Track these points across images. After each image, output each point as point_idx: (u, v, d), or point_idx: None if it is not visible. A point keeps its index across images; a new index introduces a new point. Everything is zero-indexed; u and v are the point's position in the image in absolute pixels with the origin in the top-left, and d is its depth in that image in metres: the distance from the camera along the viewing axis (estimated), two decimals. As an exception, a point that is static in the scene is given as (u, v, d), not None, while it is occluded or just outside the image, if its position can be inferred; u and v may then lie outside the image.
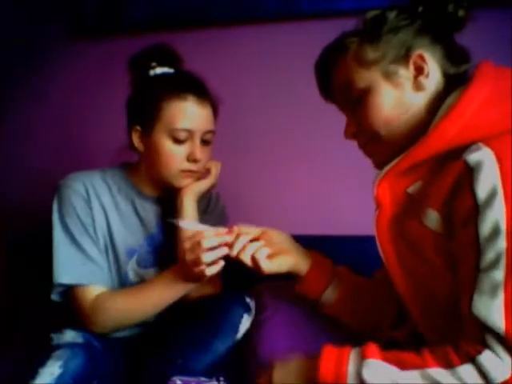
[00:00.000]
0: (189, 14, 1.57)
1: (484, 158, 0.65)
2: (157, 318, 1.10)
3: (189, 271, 0.92)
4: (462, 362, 0.64)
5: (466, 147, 0.69)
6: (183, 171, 1.03)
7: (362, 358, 0.71)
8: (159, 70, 1.06)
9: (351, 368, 0.70)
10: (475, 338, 0.64)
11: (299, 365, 0.79)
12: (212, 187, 1.13)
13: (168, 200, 1.09)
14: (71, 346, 0.91)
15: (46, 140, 1.69)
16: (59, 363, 0.86)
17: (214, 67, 1.56)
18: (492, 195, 0.64)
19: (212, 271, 0.91)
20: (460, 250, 0.69)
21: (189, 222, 1.02)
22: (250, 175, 1.59)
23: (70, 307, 1.02)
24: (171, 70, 1.07)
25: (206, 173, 1.09)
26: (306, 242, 1.46)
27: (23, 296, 1.36)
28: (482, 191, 0.64)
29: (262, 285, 1.12)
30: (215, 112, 1.08)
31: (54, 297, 1.03)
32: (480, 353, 0.63)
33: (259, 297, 1.06)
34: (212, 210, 1.18)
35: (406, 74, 0.78)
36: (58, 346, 0.90)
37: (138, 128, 1.05)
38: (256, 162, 1.58)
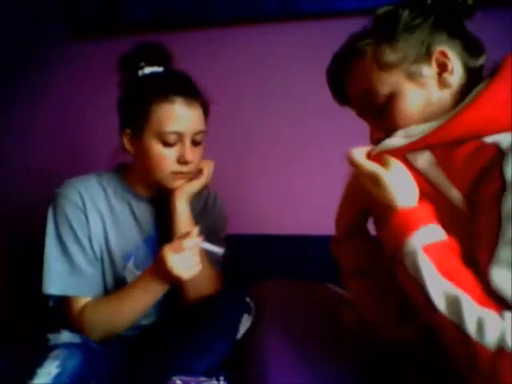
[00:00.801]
0: (189, 14, 1.57)
1: None
2: (157, 318, 1.10)
3: (166, 271, 0.93)
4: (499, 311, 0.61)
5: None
6: (174, 173, 1.03)
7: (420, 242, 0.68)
8: (148, 70, 1.06)
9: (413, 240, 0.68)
10: (500, 305, 0.62)
11: None
12: (205, 187, 1.13)
13: (164, 200, 1.09)
14: (68, 346, 0.91)
15: (46, 140, 1.69)
16: (56, 363, 0.86)
17: (213, 67, 1.57)
18: None
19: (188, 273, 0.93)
20: (481, 228, 0.67)
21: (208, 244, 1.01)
22: (249, 175, 1.59)
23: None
24: (160, 69, 1.07)
25: (199, 173, 1.09)
26: (307, 242, 1.47)
27: (23, 296, 1.36)
28: (510, 172, 0.63)
29: (262, 284, 1.12)
30: (206, 111, 1.08)
31: (51, 303, 1.05)
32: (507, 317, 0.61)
33: (259, 297, 1.06)
34: (210, 210, 1.18)
35: (429, 72, 0.76)
36: (55, 347, 0.90)
37: (128, 131, 1.05)
38: (255, 161, 1.58)
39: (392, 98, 0.77)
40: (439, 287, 0.65)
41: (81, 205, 1.05)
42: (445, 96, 0.77)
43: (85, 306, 1.02)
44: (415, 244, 0.68)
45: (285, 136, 1.56)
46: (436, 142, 0.73)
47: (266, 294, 1.06)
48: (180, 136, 1.01)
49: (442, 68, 0.76)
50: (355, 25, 0.83)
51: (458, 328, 0.62)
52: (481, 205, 0.68)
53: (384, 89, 0.77)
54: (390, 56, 0.77)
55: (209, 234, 1.11)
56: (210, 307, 1.02)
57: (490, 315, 0.61)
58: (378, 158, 0.76)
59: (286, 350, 0.90)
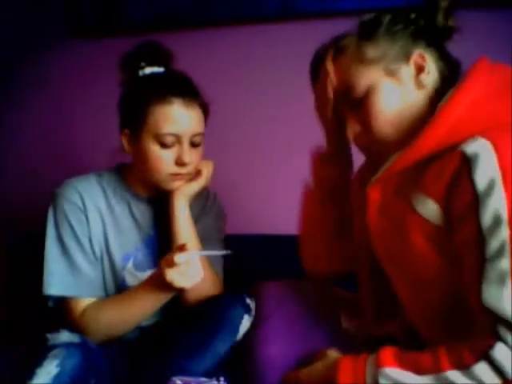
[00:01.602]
0: (189, 14, 1.57)
1: (481, 148, 0.66)
2: (157, 318, 1.10)
3: (167, 284, 0.92)
4: (476, 359, 0.63)
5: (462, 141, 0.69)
6: (172, 175, 1.03)
7: (378, 366, 0.70)
8: (148, 70, 1.05)
9: (369, 380, 0.70)
10: (487, 331, 0.64)
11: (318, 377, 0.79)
12: (204, 188, 1.12)
13: (163, 200, 1.09)
14: (67, 345, 0.91)
15: (46, 140, 1.69)
16: (56, 362, 0.86)
17: (213, 67, 1.57)
18: (491, 185, 0.64)
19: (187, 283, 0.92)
20: (463, 244, 0.69)
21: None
22: (249, 175, 1.59)
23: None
24: (161, 70, 1.06)
25: (198, 174, 1.08)
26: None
27: (23, 296, 1.36)
28: (480, 182, 0.64)
29: (263, 284, 1.11)
30: (205, 113, 1.07)
31: (51, 304, 1.05)
32: (493, 347, 0.62)
33: (259, 297, 1.06)
34: (209, 210, 1.17)
35: (407, 71, 0.79)
36: (54, 346, 0.90)
37: (127, 131, 1.05)
38: (255, 161, 1.58)
39: (370, 91, 0.79)
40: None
41: (80, 205, 1.05)
42: (420, 97, 0.79)
43: (86, 309, 1.01)
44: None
45: (285, 135, 1.56)
46: (412, 159, 0.76)
47: (265, 294, 1.06)
48: (178, 138, 1.01)
49: (420, 69, 0.78)
50: (355, 25, 0.84)
51: None
52: (455, 216, 0.69)
53: (362, 82, 0.80)
54: (370, 52, 0.79)
55: (208, 234, 1.11)
56: (210, 308, 1.01)
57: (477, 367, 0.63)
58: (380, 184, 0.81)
59: (286, 351, 0.90)
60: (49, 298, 1.04)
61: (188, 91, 1.03)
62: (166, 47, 1.08)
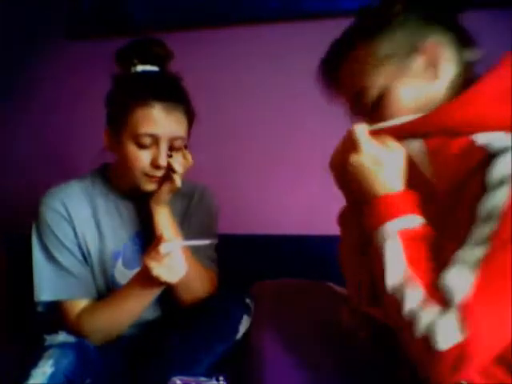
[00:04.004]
0: (189, 14, 1.57)
1: (507, 145, 0.64)
2: (156, 318, 1.10)
3: (154, 279, 0.92)
4: (436, 308, 0.63)
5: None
6: (147, 175, 1.02)
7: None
8: (140, 68, 1.04)
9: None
10: (443, 302, 0.63)
11: None
12: (190, 187, 1.13)
13: (148, 196, 1.07)
14: (61, 345, 0.91)
15: (47, 140, 1.70)
16: (50, 362, 0.86)
17: (213, 67, 1.57)
18: (501, 182, 0.63)
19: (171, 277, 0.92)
20: (456, 224, 0.68)
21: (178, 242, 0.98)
22: (248, 175, 1.59)
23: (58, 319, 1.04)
24: (153, 69, 1.05)
25: (169, 175, 1.03)
26: (306, 242, 1.47)
27: (23, 296, 1.36)
28: (493, 177, 0.64)
29: (262, 284, 1.12)
30: (190, 119, 1.05)
31: (40, 309, 1.04)
32: (444, 313, 0.62)
33: (259, 297, 1.06)
34: (195, 210, 1.16)
35: (421, 64, 0.76)
36: (50, 347, 0.90)
37: (109, 129, 1.05)
38: (255, 161, 1.58)
39: (384, 91, 0.77)
40: (398, 265, 0.67)
41: (63, 211, 1.04)
42: (437, 88, 0.76)
43: (81, 313, 1.01)
44: (392, 228, 0.70)
45: (285, 136, 1.56)
46: (424, 128, 0.73)
47: (265, 294, 1.06)
48: (155, 139, 0.99)
49: (434, 59, 0.75)
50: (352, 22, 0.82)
51: (398, 309, 0.65)
52: (461, 202, 0.68)
53: (377, 82, 0.77)
54: (382, 48, 0.76)
55: (198, 232, 1.11)
56: (209, 308, 1.01)
57: (430, 307, 0.63)
58: (375, 136, 0.76)
59: (285, 351, 0.90)
60: (38, 303, 1.03)
61: (172, 96, 1.01)
62: (165, 46, 1.06)
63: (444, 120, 0.71)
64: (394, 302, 0.66)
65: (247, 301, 1.02)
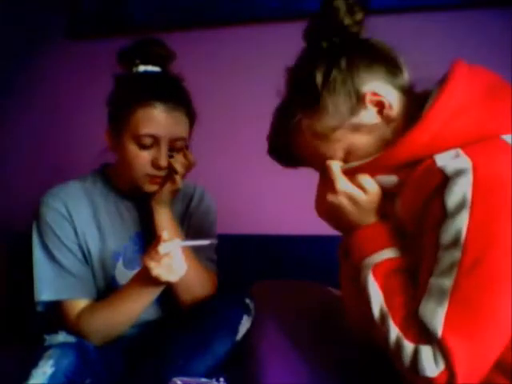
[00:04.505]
0: (189, 14, 1.57)
1: (461, 166, 0.64)
2: (156, 318, 1.10)
3: (154, 279, 0.92)
4: (414, 341, 0.66)
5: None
6: (149, 176, 1.02)
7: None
8: (142, 68, 1.04)
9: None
10: (422, 334, 0.65)
11: None
12: (190, 187, 1.13)
13: (148, 196, 1.07)
14: (62, 345, 0.91)
15: (47, 139, 1.70)
16: (50, 362, 0.86)
17: (213, 67, 1.57)
18: (460, 206, 0.63)
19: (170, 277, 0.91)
20: (422, 251, 0.69)
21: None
22: (248, 175, 1.59)
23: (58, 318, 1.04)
24: (155, 69, 1.05)
25: (171, 175, 1.03)
26: (306, 242, 1.47)
27: (23, 296, 1.36)
28: (451, 201, 0.64)
29: (262, 284, 1.12)
30: (191, 120, 1.05)
31: (40, 308, 1.04)
32: (423, 346, 0.65)
33: (259, 297, 1.06)
34: (194, 210, 1.16)
35: (370, 116, 0.75)
36: (50, 347, 0.90)
37: (110, 129, 1.05)
38: (255, 162, 1.57)
39: (348, 149, 0.77)
40: (377, 299, 0.71)
41: (64, 211, 1.04)
42: (395, 125, 0.76)
43: (80, 314, 1.01)
44: (367, 264, 0.75)
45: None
46: (393, 160, 0.74)
47: (265, 294, 1.06)
48: (156, 140, 0.99)
49: (380, 106, 0.75)
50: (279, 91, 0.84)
51: (385, 337, 0.69)
52: (424, 229, 0.69)
53: (337, 152, 0.78)
54: (326, 122, 0.76)
55: (197, 233, 1.11)
56: (209, 308, 1.01)
57: (406, 342, 0.66)
58: (349, 174, 0.78)
59: (285, 351, 0.90)
60: (37, 303, 1.03)
61: (174, 96, 1.01)
62: (167, 46, 1.06)
63: (407, 148, 0.71)
64: (380, 330, 0.70)
65: (247, 301, 1.02)
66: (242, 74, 1.57)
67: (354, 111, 0.75)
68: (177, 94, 1.03)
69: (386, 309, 0.70)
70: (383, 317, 0.70)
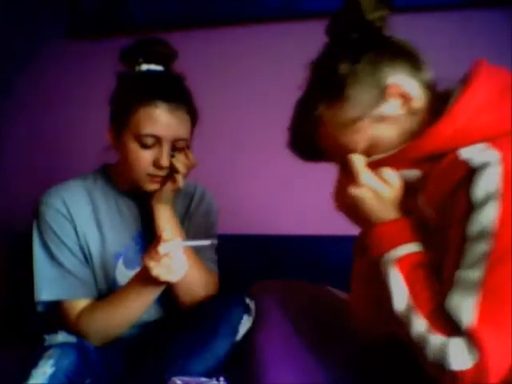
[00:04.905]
0: (189, 14, 1.57)
1: (489, 159, 0.65)
2: (157, 319, 1.10)
3: (154, 279, 0.91)
4: (444, 334, 0.65)
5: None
6: (150, 175, 1.02)
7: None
8: (145, 67, 1.04)
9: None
10: (451, 327, 0.65)
11: None
12: (190, 187, 1.13)
13: (149, 195, 1.07)
14: (62, 345, 0.91)
15: (47, 139, 1.70)
16: (51, 362, 0.86)
17: (213, 67, 1.57)
18: (488, 197, 0.63)
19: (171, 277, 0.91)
20: (448, 245, 0.69)
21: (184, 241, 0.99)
22: (248, 175, 1.59)
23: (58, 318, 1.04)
24: (158, 68, 1.05)
25: (172, 175, 1.03)
26: (306, 242, 1.47)
27: (23, 296, 1.37)
28: (479, 192, 0.64)
29: (262, 284, 1.11)
30: (193, 120, 1.05)
31: (40, 308, 1.04)
32: (452, 339, 0.64)
33: (259, 297, 1.06)
34: (195, 210, 1.16)
35: (394, 107, 0.75)
36: (50, 347, 0.90)
37: (112, 128, 1.05)
38: (255, 162, 1.58)
39: (371, 141, 0.77)
40: (402, 292, 0.70)
41: (64, 210, 1.04)
42: (418, 119, 0.76)
43: (81, 314, 1.01)
44: (390, 258, 0.73)
45: (285, 135, 1.55)
46: (416, 153, 0.74)
47: (265, 294, 1.06)
48: (158, 139, 0.99)
49: (404, 98, 0.75)
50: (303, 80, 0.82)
51: (408, 332, 0.68)
52: (449, 222, 0.69)
53: (359, 143, 0.77)
54: (349, 113, 0.76)
55: (198, 233, 1.11)
56: (209, 308, 1.01)
57: (433, 336, 0.65)
58: (372, 168, 0.78)
59: (286, 351, 0.90)
60: (37, 303, 1.03)
61: (176, 96, 1.01)
62: (170, 45, 1.06)
63: (433, 140, 0.72)
64: (403, 324, 0.69)
65: (247, 301, 1.02)
66: (242, 74, 1.57)
67: (377, 102, 0.75)
68: (179, 94, 1.03)
69: (412, 302, 0.69)
70: (409, 310, 0.69)
